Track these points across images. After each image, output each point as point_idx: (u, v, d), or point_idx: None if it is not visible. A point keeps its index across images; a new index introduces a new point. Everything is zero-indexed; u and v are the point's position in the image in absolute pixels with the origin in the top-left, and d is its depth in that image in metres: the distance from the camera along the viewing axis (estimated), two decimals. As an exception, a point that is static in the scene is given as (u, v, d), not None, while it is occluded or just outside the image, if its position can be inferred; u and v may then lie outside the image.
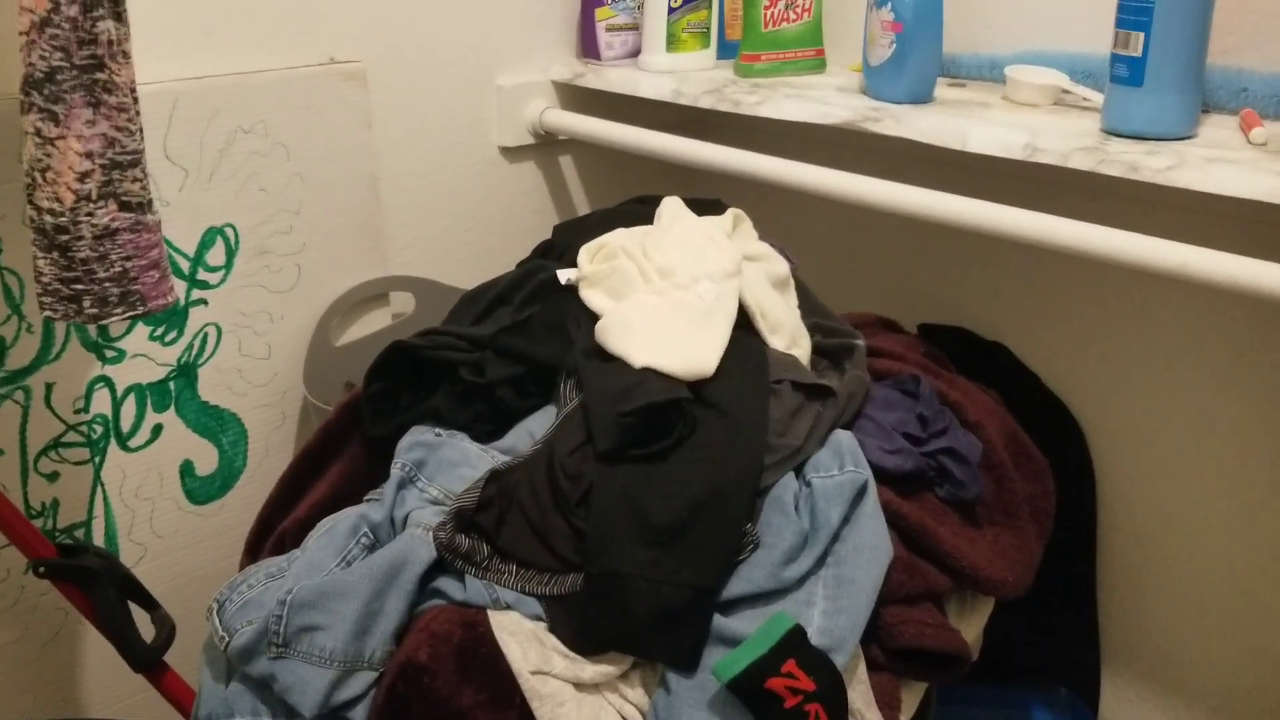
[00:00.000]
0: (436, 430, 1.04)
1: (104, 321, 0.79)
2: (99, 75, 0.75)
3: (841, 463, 0.95)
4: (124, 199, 0.78)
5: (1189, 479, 1.27)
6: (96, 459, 1.17)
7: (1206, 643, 1.31)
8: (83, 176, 0.75)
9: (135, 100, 0.80)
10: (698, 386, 0.96)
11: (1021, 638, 1.38)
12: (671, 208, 1.12)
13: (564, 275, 1.10)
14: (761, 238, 1.16)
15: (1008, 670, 1.39)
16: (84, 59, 0.74)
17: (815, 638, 0.87)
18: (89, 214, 0.76)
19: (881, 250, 1.52)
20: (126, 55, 0.78)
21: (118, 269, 0.78)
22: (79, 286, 0.77)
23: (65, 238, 0.76)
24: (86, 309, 0.78)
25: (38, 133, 0.75)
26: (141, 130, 0.82)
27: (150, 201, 0.80)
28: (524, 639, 0.88)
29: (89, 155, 0.75)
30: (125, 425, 1.18)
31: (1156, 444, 1.29)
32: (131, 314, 0.80)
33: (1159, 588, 1.33)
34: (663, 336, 0.98)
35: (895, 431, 1.01)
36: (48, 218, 0.75)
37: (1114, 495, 1.35)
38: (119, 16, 0.77)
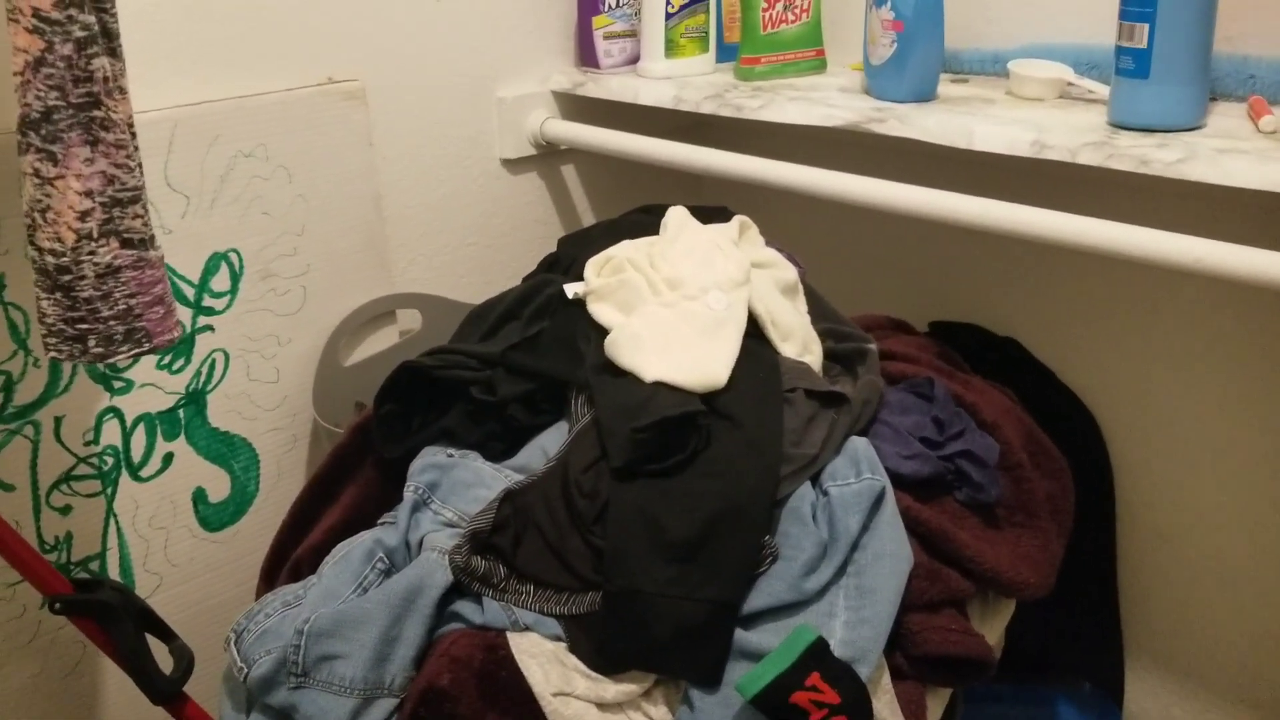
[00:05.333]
0: (449, 451, 1.03)
1: (110, 360, 0.78)
2: (96, 113, 0.75)
3: (858, 470, 0.94)
4: (126, 236, 0.77)
5: (1208, 471, 1.26)
6: (109, 490, 1.16)
7: (1230, 635, 1.30)
8: (83, 215, 0.75)
9: (133, 136, 0.79)
10: (711, 398, 0.96)
11: (1045, 634, 1.37)
12: (677, 217, 1.11)
13: (571, 289, 1.09)
14: (768, 243, 1.15)
15: (1031, 667, 1.38)
16: (80, 97, 0.74)
17: (838, 649, 0.86)
18: (91, 253, 0.75)
19: (890, 250, 1.51)
20: (123, 91, 0.77)
21: (122, 307, 0.77)
22: (84, 326, 0.77)
23: (68, 278, 0.76)
24: (92, 348, 0.77)
25: (36, 173, 0.74)
26: (141, 166, 0.81)
27: (152, 237, 0.79)
28: (545, 660, 0.88)
29: (89, 194, 0.75)
30: (136, 455, 1.17)
31: (1175, 437, 1.28)
32: (137, 351, 0.79)
33: (1180, 580, 1.32)
34: (673, 349, 0.97)
35: (911, 436, 1.00)
36: (49, 258, 0.75)
37: (1133, 489, 1.34)
38: (114, 52, 0.76)
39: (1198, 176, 0.94)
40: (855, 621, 0.88)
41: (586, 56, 1.49)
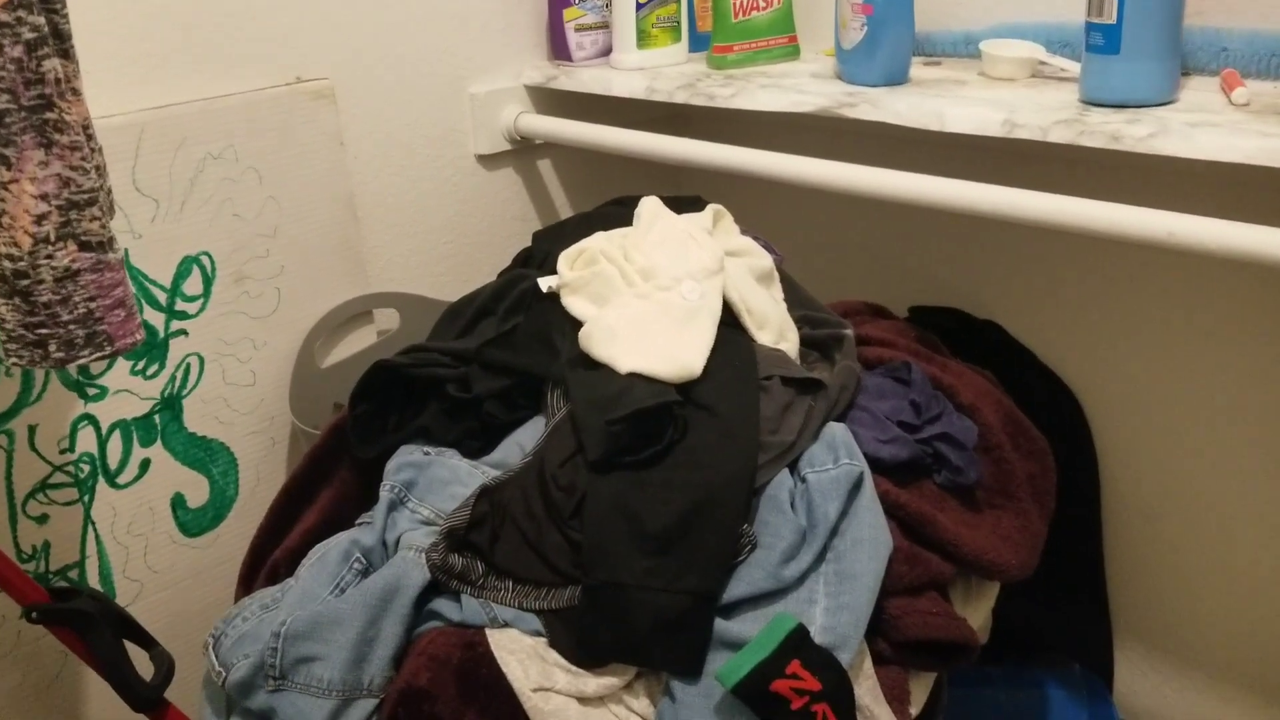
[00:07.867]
0: (425, 449, 1.03)
1: (71, 364, 0.77)
2: (49, 115, 0.73)
3: (836, 456, 0.94)
4: (83, 239, 0.76)
5: (1191, 448, 1.26)
6: (86, 498, 1.15)
7: (1218, 612, 1.29)
8: (39, 219, 0.74)
9: (89, 138, 0.78)
10: (686, 388, 0.95)
11: (1033, 616, 1.36)
12: (650, 208, 1.10)
13: (545, 283, 1.09)
14: (745, 231, 1.15)
15: (1020, 649, 1.38)
16: (32, 100, 0.73)
17: (819, 636, 0.85)
18: (48, 256, 0.74)
19: (868, 235, 1.50)
20: (76, 92, 0.76)
21: (82, 310, 0.77)
22: (44, 331, 0.76)
23: (26, 282, 0.75)
24: (53, 353, 0.76)
25: (-10, 178, 0.73)
26: (97, 168, 0.80)
27: (111, 239, 0.78)
28: (524, 656, 0.87)
29: (44, 197, 0.74)
30: (112, 462, 1.16)
31: (1157, 415, 1.28)
32: (99, 355, 0.78)
33: (1167, 559, 1.32)
34: (647, 340, 0.97)
35: (889, 420, 1.00)
36: (6, 263, 0.74)
37: (1117, 468, 1.33)
38: (66, 54, 0.75)
39: (1169, 151, 0.93)
40: (835, 608, 0.87)
41: (559, 49, 1.48)
